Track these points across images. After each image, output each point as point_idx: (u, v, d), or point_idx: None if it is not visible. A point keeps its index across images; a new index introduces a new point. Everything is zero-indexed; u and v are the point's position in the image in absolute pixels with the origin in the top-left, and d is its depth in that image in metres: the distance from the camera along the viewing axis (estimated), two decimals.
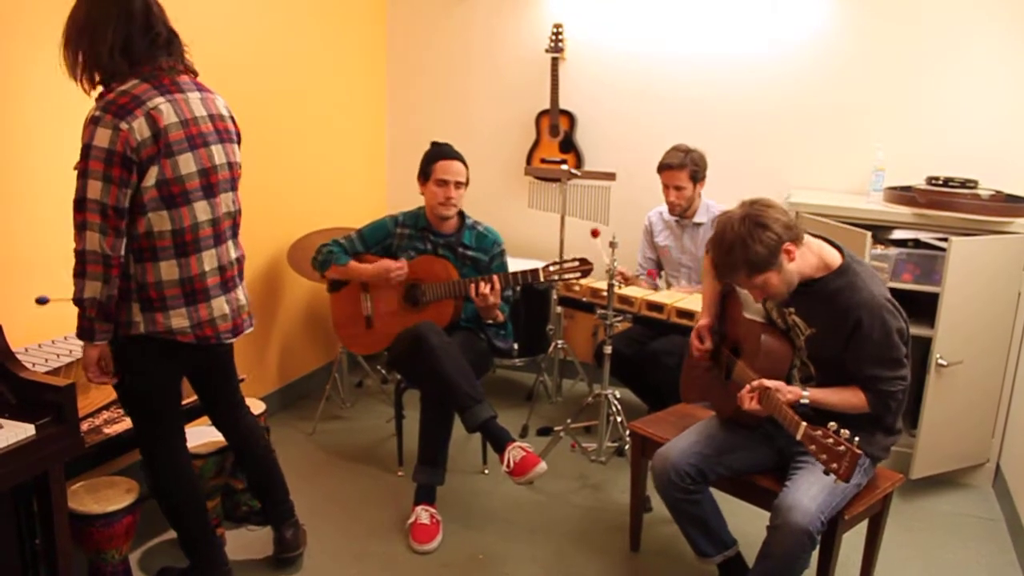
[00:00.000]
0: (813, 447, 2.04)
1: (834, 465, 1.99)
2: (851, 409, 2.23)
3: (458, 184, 3.24)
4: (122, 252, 2.10)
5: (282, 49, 3.74)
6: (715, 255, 2.24)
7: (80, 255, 2.07)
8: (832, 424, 2.03)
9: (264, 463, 2.70)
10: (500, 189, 4.47)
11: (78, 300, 2.09)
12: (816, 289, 2.27)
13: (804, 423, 2.08)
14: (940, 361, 3.20)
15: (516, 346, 3.98)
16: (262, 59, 3.60)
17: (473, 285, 3.09)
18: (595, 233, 3.33)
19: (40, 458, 1.99)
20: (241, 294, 2.41)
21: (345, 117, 4.32)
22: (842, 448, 1.98)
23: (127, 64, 2.10)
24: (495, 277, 3.08)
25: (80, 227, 2.06)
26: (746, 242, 2.14)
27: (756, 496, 2.46)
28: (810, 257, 2.26)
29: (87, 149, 2.04)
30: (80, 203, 2.05)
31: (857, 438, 1.98)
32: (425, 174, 3.26)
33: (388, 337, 3.26)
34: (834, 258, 2.28)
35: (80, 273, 2.08)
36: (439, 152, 3.27)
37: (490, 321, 3.24)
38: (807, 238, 2.26)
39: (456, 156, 3.26)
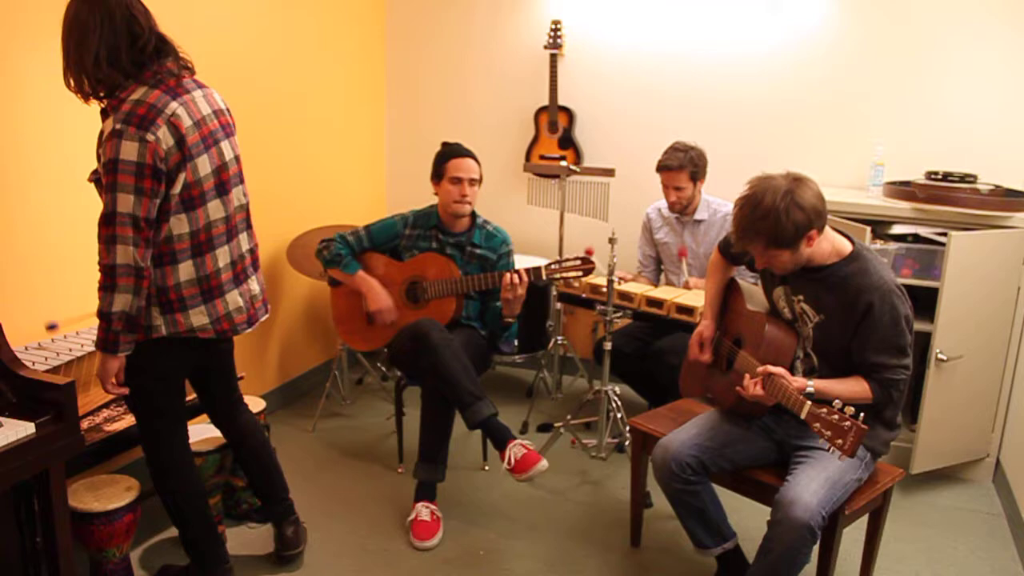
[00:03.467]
0: (817, 425, 2.05)
1: (839, 441, 1.99)
2: (855, 399, 2.23)
3: (472, 181, 3.24)
4: (149, 261, 2.11)
5: (281, 46, 3.73)
6: (742, 214, 2.21)
7: (110, 269, 2.06)
8: (837, 402, 2.04)
9: (263, 461, 2.70)
10: (499, 185, 4.46)
11: (105, 314, 2.09)
12: (826, 275, 2.29)
13: (809, 402, 2.09)
14: (940, 356, 3.20)
15: (516, 343, 3.99)
16: (261, 56, 3.59)
17: (507, 276, 3.06)
18: (589, 252, 3.32)
19: (40, 456, 1.99)
20: (254, 283, 2.42)
21: (344, 114, 4.31)
22: (847, 424, 1.98)
23: (118, 74, 2.09)
24: (521, 270, 3.08)
25: (109, 241, 2.05)
26: (779, 217, 2.14)
27: (757, 491, 2.47)
28: (824, 245, 2.28)
29: (113, 163, 2.02)
30: (110, 217, 2.04)
31: (863, 414, 1.99)
32: (438, 174, 3.25)
33: (388, 333, 3.26)
34: (844, 245, 2.30)
35: (110, 287, 2.07)
36: (451, 151, 3.27)
37: (509, 319, 3.22)
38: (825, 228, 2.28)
39: (468, 154, 3.26)
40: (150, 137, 2.03)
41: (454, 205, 3.23)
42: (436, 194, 3.31)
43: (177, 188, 2.12)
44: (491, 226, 3.37)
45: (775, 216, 2.14)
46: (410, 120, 4.62)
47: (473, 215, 3.34)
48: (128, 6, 2.12)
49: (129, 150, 2.02)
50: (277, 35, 3.70)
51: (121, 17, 2.09)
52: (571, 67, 4.22)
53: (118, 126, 2.04)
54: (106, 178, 2.04)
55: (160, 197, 2.09)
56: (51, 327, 2.55)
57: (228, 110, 2.37)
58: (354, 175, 4.47)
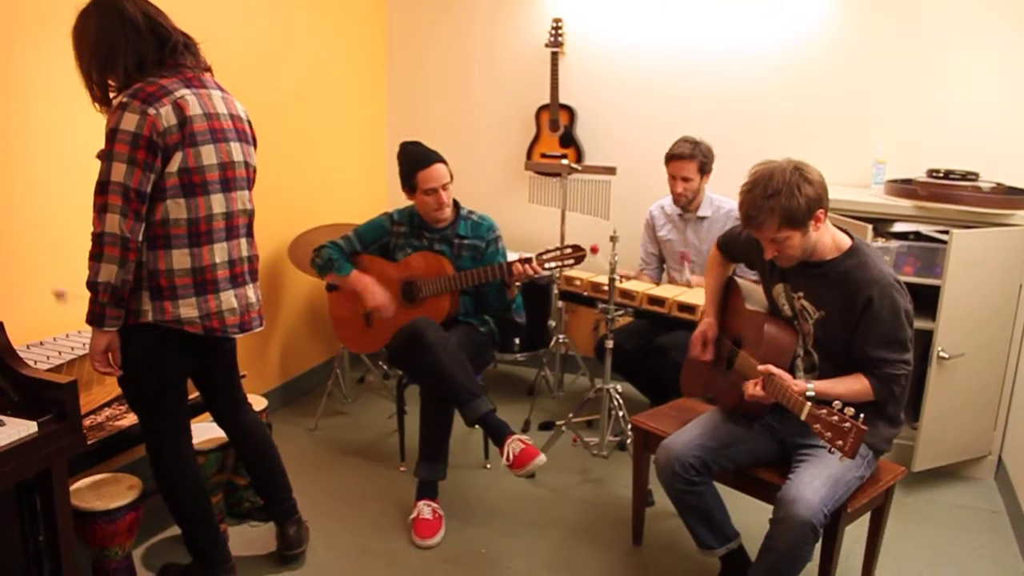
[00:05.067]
0: (818, 426, 2.05)
1: (839, 442, 2.00)
2: (857, 397, 2.24)
3: (445, 186, 3.19)
4: (140, 237, 2.11)
5: (283, 45, 3.73)
6: (753, 196, 2.20)
7: (98, 237, 2.07)
8: (837, 403, 2.04)
9: (266, 460, 2.70)
10: (500, 184, 4.47)
11: (92, 283, 2.10)
12: (826, 271, 2.29)
13: (809, 403, 2.09)
14: (942, 354, 3.20)
15: (518, 341, 3.99)
16: (263, 55, 3.59)
17: (518, 267, 3.06)
18: (594, 249, 3.31)
19: (43, 455, 1.99)
20: (251, 292, 2.41)
21: (346, 113, 4.31)
22: (847, 425, 1.98)
23: (142, 76, 2.13)
24: (531, 259, 3.07)
25: (101, 209, 2.07)
26: (793, 191, 2.15)
27: (759, 489, 2.47)
28: (826, 237, 2.29)
29: (113, 133, 2.06)
30: (103, 186, 2.06)
31: (863, 415, 1.99)
32: (410, 186, 3.20)
33: (387, 335, 3.26)
34: (844, 240, 2.31)
35: (97, 256, 2.08)
36: (416, 160, 3.18)
37: (512, 296, 3.22)
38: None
39: (434, 159, 3.18)
40: (151, 111, 2.07)
41: (433, 213, 3.21)
42: (411, 200, 3.28)
43: (173, 167, 2.12)
44: (475, 215, 3.36)
45: (788, 191, 2.15)
46: (411, 119, 4.61)
47: (456, 206, 3.32)
48: (145, 12, 2.15)
49: (129, 121, 2.05)
50: (278, 35, 3.70)
51: (145, 23, 2.14)
52: (572, 65, 4.22)
53: (124, 99, 2.07)
54: (104, 147, 2.07)
55: (154, 172, 2.10)
56: (60, 295, 2.55)
57: (249, 122, 2.40)
58: (355, 174, 4.47)
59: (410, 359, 3.04)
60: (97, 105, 2.18)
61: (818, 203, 2.19)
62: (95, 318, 2.13)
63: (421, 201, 3.21)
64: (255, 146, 2.43)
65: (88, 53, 2.14)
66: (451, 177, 3.22)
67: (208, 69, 2.30)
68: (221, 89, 2.31)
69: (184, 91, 2.15)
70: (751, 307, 2.53)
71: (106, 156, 2.06)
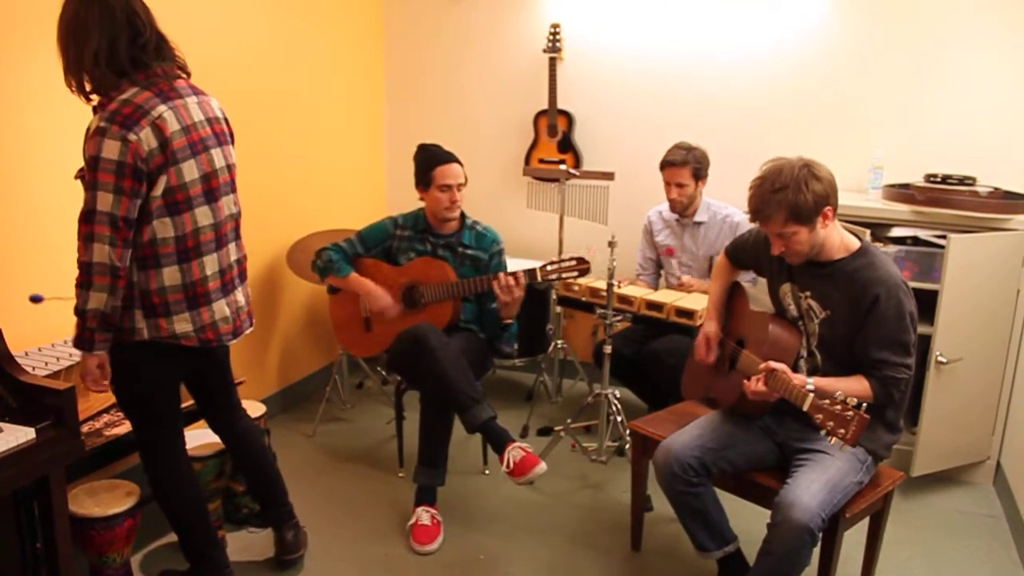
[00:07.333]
0: (820, 416, 2.07)
1: (841, 431, 2.01)
2: (856, 396, 2.24)
3: (460, 186, 3.24)
4: (128, 262, 2.10)
5: (280, 50, 3.74)
6: (762, 191, 2.22)
7: (86, 267, 2.06)
8: (839, 393, 2.06)
9: (262, 466, 2.70)
10: (498, 189, 4.47)
11: (80, 311, 2.09)
12: (834, 270, 2.31)
13: (811, 394, 2.10)
14: (940, 358, 3.20)
15: (516, 346, 3.99)
16: (260, 60, 3.60)
17: (497, 278, 3.06)
18: (591, 252, 3.33)
19: (41, 462, 1.99)
20: (240, 295, 2.41)
21: (344, 118, 4.32)
22: (849, 414, 2.00)
23: (114, 72, 2.09)
24: (518, 272, 3.07)
25: (87, 239, 2.05)
26: (800, 186, 2.17)
27: (757, 494, 2.47)
28: (835, 235, 2.31)
29: (95, 161, 2.03)
30: (89, 215, 2.04)
31: (864, 404, 2.00)
32: (425, 182, 3.23)
33: (387, 339, 3.26)
34: (853, 241, 2.34)
35: (86, 285, 2.07)
36: (435, 157, 3.24)
37: (508, 321, 3.22)
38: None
39: (452, 158, 3.25)
40: (132, 137, 2.03)
41: (444, 212, 3.23)
42: (422, 199, 3.30)
43: (158, 191, 2.11)
44: (480, 226, 3.37)
45: (795, 186, 2.17)
46: (410, 124, 4.62)
47: (462, 216, 3.34)
48: (128, 2, 2.12)
49: (111, 148, 2.02)
50: (277, 42, 3.71)
51: (122, 12, 2.09)
52: (570, 71, 4.22)
53: (102, 124, 2.04)
54: (88, 175, 2.05)
55: (140, 198, 2.08)
56: (35, 299, 2.52)
57: (226, 119, 2.37)
58: (354, 179, 4.48)
59: (411, 364, 3.04)
60: (81, 97, 2.14)
61: (825, 200, 2.21)
62: (85, 343, 2.12)
63: (434, 198, 3.22)
64: (233, 142, 2.39)
65: (64, 34, 2.09)
66: (465, 180, 3.26)
67: (185, 71, 2.25)
68: (195, 92, 2.26)
69: (161, 107, 2.10)
70: (756, 308, 2.54)
71: (90, 185, 2.04)
